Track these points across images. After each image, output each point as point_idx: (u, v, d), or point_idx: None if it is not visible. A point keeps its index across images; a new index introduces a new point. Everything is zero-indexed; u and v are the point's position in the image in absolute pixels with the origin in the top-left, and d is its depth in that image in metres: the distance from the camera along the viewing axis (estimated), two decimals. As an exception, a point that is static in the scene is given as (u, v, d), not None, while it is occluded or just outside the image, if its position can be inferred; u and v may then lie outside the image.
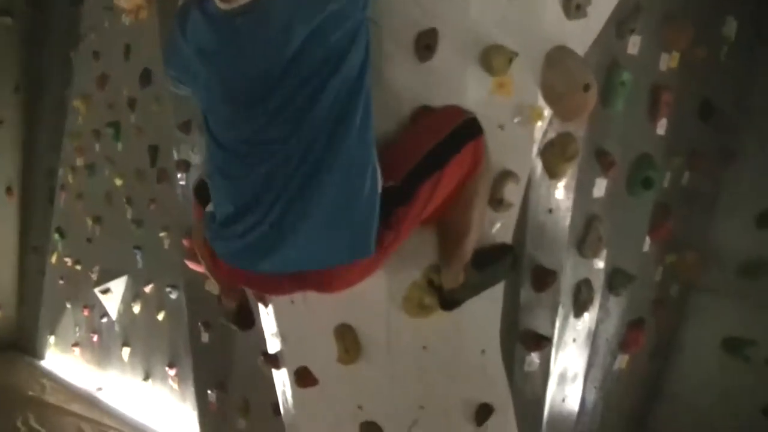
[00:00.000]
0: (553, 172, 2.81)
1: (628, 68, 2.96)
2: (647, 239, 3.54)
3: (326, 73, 2.05)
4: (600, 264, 3.24)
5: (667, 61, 3.23)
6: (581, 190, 3.01)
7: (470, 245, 2.42)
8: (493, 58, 2.42)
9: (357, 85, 2.10)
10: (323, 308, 2.73)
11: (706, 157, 3.78)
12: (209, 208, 2.37)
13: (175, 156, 5.06)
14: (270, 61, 2.06)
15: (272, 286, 2.46)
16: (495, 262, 2.56)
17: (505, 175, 2.55)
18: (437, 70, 2.39)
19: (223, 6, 2.12)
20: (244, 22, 2.09)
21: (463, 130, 2.31)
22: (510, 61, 2.44)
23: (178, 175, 5.04)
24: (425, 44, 2.34)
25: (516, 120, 2.54)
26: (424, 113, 2.41)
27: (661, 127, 3.33)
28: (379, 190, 2.16)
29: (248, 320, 3.01)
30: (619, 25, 2.89)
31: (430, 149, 2.25)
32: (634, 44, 2.99)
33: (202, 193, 2.53)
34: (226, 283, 2.74)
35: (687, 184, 3.74)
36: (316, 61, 2.05)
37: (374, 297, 2.60)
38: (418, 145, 2.28)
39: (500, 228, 2.63)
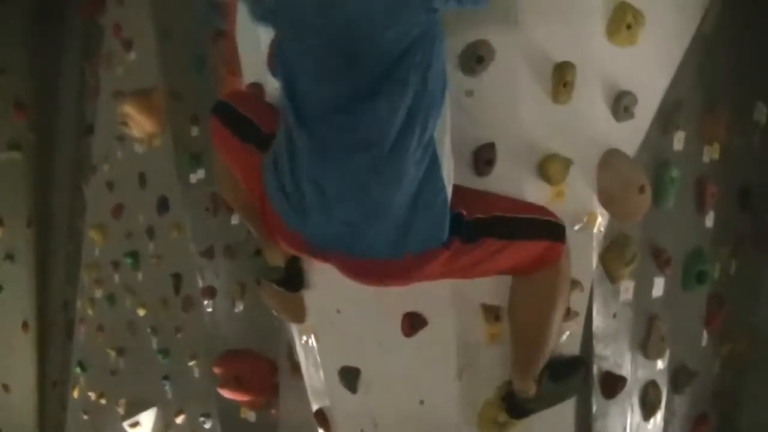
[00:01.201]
0: (614, 276, 2.77)
1: (676, 164, 2.94)
2: (704, 332, 3.47)
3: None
4: (664, 363, 3.17)
5: (710, 153, 3.21)
6: (640, 291, 2.95)
7: (544, 358, 2.42)
8: (550, 168, 2.42)
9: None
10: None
11: (748, 244, 3.75)
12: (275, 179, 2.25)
13: (200, 283, 5.01)
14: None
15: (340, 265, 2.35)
16: (569, 375, 2.56)
17: (571, 285, 2.52)
18: (496, 183, 2.38)
19: None
20: None
21: (546, 225, 2.31)
22: (567, 168, 2.44)
23: (205, 302, 4.97)
24: (486, 159, 2.33)
25: (576, 228, 2.54)
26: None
27: (709, 219, 3.30)
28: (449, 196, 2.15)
29: (297, 280, 2.85)
30: (663, 122, 2.87)
31: (509, 217, 2.26)
32: (679, 140, 2.97)
33: (225, 113, 2.51)
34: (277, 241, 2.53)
35: (734, 272, 3.69)
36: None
37: (447, 416, 2.57)
38: (500, 205, 2.29)
39: (568, 338, 2.61)
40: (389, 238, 2.13)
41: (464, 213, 2.19)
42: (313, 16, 1.96)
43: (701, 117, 3.13)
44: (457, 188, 2.21)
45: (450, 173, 2.15)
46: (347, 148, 2.05)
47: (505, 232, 2.23)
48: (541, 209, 2.36)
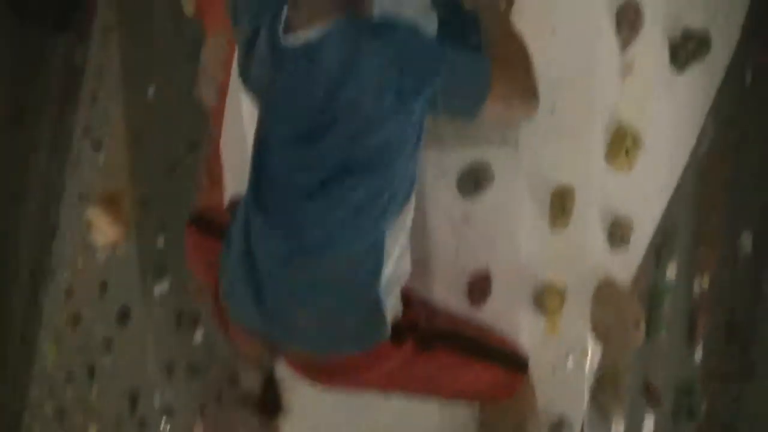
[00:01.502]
0: (605, 413, 2.63)
1: (668, 295, 2.84)
2: (691, 474, 3.32)
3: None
4: None
5: (700, 283, 3.12)
6: (631, 429, 2.81)
7: None
8: (548, 299, 2.33)
9: None
10: None
11: (730, 378, 3.65)
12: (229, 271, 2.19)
13: (158, 402, 4.77)
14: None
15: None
16: None
17: (561, 425, 2.45)
18: (491, 314, 2.29)
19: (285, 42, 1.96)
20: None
21: (507, 354, 2.25)
22: (563, 301, 2.35)
23: (162, 423, 4.73)
24: (480, 288, 2.23)
25: (569, 361, 2.43)
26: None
27: (698, 353, 3.19)
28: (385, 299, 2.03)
29: (274, 404, 2.65)
30: (657, 250, 2.79)
31: (470, 335, 2.20)
32: (671, 270, 2.88)
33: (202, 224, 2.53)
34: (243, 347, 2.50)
35: (720, 408, 3.57)
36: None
37: None
38: (464, 324, 2.24)
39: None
40: (321, 334, 2.07)
41: (420, 320, 2.13)
42: (294, 103, 1.98)
43: (693, 246, 3.05)
44: (420, 299, 2.21)
45: (397, 278, 2.07)
46: (285, 242, 2.01)
47: (463, 347, 2.17)
48: (504, 340, 2.29)
